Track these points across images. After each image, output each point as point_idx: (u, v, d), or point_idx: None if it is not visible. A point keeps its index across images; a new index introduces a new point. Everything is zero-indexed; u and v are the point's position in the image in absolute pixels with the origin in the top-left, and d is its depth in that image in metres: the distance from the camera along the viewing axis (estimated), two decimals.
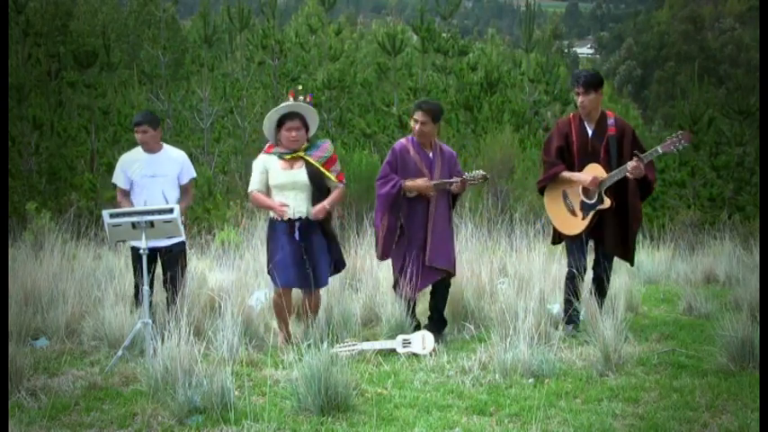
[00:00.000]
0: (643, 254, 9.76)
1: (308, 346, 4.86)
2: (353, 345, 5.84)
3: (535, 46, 20.56)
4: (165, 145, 6.62)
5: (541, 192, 6.55)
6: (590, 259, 6.50)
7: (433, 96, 17.15)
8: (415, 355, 5.80)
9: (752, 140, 15.93)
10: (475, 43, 27.67)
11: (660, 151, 6.06)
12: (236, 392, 4.80)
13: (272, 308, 6.30)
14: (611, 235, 6.23)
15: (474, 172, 6.26)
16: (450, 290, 6.44)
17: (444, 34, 19.54)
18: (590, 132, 6.26)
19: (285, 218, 5.96)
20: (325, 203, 6.00)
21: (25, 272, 6.97)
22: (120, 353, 5.56)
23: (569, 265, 6.34)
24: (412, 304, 6.19)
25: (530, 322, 5.48)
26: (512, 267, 7.73)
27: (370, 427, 4.40)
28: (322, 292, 6.34)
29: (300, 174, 6.01)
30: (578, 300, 6.21)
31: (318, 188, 6.01)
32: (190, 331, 4.93)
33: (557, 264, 7.27)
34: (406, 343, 5.89)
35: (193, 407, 4.54)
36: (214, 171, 16.55)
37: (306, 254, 5.97)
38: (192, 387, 4.61)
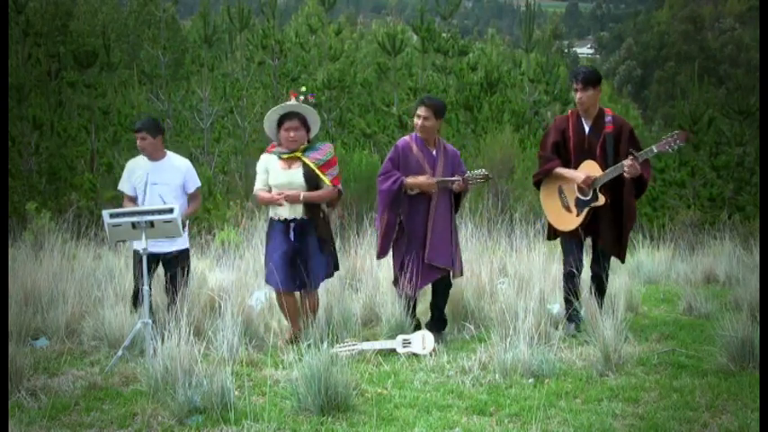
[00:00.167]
0: (643, 254, 9.77)
1: (308, 346, 4.87)
2: (353, 345, 5.84)
3: (535, 46, 20.57)
4: (168, 153, 6.56)
5: (537, 186, 6.57)
6: (588, 258, 6.51)
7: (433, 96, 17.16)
8: (415, 355, 5.80)
9: (752, 140, 15.93)
10: (475, 43, 27.68)
11: (655, 150, 6.06)
12: (236, 392, 4.80)
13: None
14: (606, 232, 6.23)
15: (476, 171, 6.23)
16: (451, 290, 6.43)
17: (444, 34, 19.55)
18: (587, 129, 6.27)
19: (282, 203, 5.96)
20: (301, 193, 5.94)
21: (25, 272, 6.96)
22: (120, 353, 5.55)
23: (567, 264, 6.35)
24: (412, 303, 6.18)
25: (530, 322, 5.48)
26: (512, 267, 7.73)
27: (370, 427, 4.40)
28: (322, 292, 6.34)
29: (297, 174, 6.01)
30: (578, 299, 6.21)
31: (311, 188, 6.01)
32: (190, 331, 4.93)
33: (557, 264, 7.27)
34: (406, 343, 5.89)
35: (193, 407, 4.54)
36: (214, 171, 16.55)
37: (299, 255, 5.98)
38: (192, 387, 4.61)
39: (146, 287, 5.62)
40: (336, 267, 6.32)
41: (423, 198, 6.19)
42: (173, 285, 6.25)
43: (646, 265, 9.38)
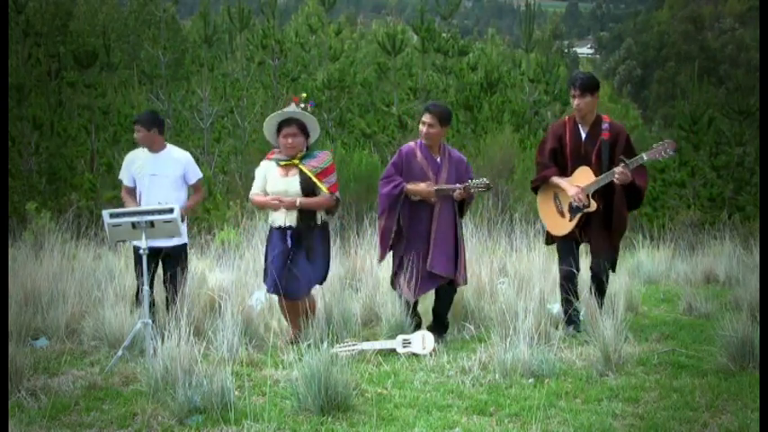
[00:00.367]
0: (643, 254, 9.77)
1: (308, 346, 4.87)
2: (353, 345, 5.84)
3: (535, 46, 20.58)
4: (169, 145, 6.63)
5: (535, 191, 6.61)
6: (587, 258, 6.51)
7: (433, 96, 17.17)
8: (415, 355, 5.79)
9: (752, 140, 15.92)
10: (475, 43, 27.66)
11: (645, 158, 6.07)
12: (236, 392, 4.80)
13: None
14: (596, 238, 6.25)
15: (477, 180, 6.11)
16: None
17: (444, 34, 19.55)
18: (583, 135, 6.27)
19: (277, 207, 5.97)
20: (297, 199, 5.95)
21: (25, 272, 6.97)
22: (120, 353, 5.55)
23: (566, 265, 6.34)
24: (412, 304, 6.18)
25: (530, 322, 5.48)
26: (512, 267, 7.73)
27: (370, 427, 4.40)
28: (322, 292, 6.33)
29: (293, 182, 6.01)
30: (577, 299, 6.21)
31: (307, 196, 5.99)
32: (190, 331, 4.93)
33: (556, 264, 7.27)
34: (406, 343, 5.89)
35: (193, 407, 4.54)
36: (214, 171, 16.55)
37: (291, 262, 5.98)
38: (192, 387, 4.61)
39: (146, 287, 5.63)
40: (322, 279, 6.24)
41: (425, 205, 6.16)
42: (172, 285, 6.26)
43: (646, 265, 9.38)
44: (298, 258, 6.01)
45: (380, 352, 5.78)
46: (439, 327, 6.32)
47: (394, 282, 6.26)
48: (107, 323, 6.00)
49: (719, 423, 4.42)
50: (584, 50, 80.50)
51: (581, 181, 6.19)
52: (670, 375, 5.30)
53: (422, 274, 6.09)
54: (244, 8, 19.57)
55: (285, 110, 6.15)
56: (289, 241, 6.01)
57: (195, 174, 6.61)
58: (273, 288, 6.02)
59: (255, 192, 6.18)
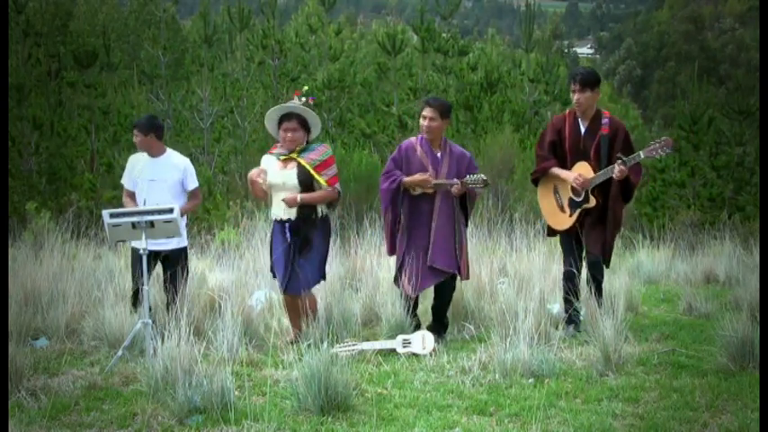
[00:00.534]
0: (643, 254, 9.77)
1: (308, 346, 4.87)
2: (353, 345, 5.84)
3: (535, 46, 20.58)
4: (169, 150, 6.60)
5: (535, 183, 6.62)
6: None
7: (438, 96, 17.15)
8: (415, 355, 5.79)
9: (752, 140, 15.92)
10: (475, 43, 27.65)
11: (642, 156, 6.08)
12: (236, 392, 4.80)
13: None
14: (588, 232, 6.25)
15: (474, 176, 6.09)
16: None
17: (444, 34, 19.53)
18: (583, 130, 6.28)
19: (260, 179, 6.00)
20: (298, 195, 5.96)
21: (25, 272, 6.96)
22: (120, 353, 5.55)
23: (566, 264, 6.36)
24: (412, 303, 6.18)
25: (530, 322, 5.48)
26: (512, 267, 7.73)
27: (370, 427, 4.40)
28: (322, 292, 6.33)
29: (291, 175, 6.02)
30: (578, 299, 6.21)
31: (307, 190, 6.01)
32: (190, 331, 4.93)
33: (557, 264, 7.27)
34: (406, 343, 5.89)
35: (193, 407, 4.54)
36: (214, 171, 16.55)
37: (293, 257, 6.00)
38: (192, 387, 4.61)
39: (146, 287, 5.62)
40: (321, 276, 6.24)
41: (425, 200, 6.15)
42: (173, 285, 6.26)
43: (646, 265, 9.38)
44: (297, 253, 6.02)
45: (380, 352, 5.78)
46: (438, 326, 6.32)
47: (397, 279, 6.25)
48: (107, 323, 6.00)
49: (719, 423, 4.42)
50: (584, 50, 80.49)
51: None
52: (670, 375, 5.30)
53: (422, 269, 6.09)
54: (244, 8, 19.56)
55: (286, 104, 6.16)
56: (288, 234, 6.03)
57: (193, 182, 6.59)
58: (281, 284, 6.07)
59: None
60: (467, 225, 6.41)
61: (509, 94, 18.76)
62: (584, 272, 6.43)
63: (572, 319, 6.27)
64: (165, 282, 6.41)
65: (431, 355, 5.78)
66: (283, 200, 5.98)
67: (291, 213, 6.03)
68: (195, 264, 7.84)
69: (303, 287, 6.05)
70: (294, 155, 6.05)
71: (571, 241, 6.33)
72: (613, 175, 6.03)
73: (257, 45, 19.70)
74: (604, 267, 6.35)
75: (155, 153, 6.49)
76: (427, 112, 6.17)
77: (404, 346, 5.86)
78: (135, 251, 6.38)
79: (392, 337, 6.01)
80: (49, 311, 6.48)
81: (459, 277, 6.32)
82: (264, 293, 7.05)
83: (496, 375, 5.24)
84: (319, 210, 6.09)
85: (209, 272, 7.82)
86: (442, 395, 4.96)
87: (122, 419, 4.55)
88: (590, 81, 6.23)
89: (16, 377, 4.91)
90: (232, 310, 5.75)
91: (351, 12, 66.13)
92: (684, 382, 5.14)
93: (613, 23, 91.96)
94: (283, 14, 29.76)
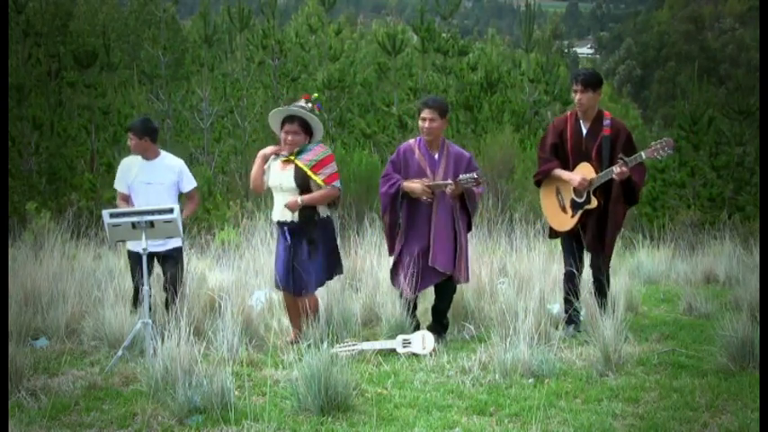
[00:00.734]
0: (643, 254, 9.77)
1: (308, 346, 4.87)
2: (353, 345, 5.84)
3: (535, 46, 20.57)
4: (163, 152, 6.59)
5: (538, 185, 6.60)
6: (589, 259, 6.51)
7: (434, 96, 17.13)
8: (415, 355, 5.79)
9: (752, 140, 15.92)
10: (475, 43, 27.65)
11: (644, 156, 6.08)
12: (236, 392, 4.80)
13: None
14: (589, 232, 6.25)
15: (467, 174, 6.01)
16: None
17: (444, 34, 19.52)
18: (584, 131, 6.28)
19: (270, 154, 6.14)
20: (299, 197, 5.98)
21: (25, 272, 6.96)
22: (120, 353, 5.55)
23: (567, 265, 6.36)
24: (412, 304, 6.17)
25: (530, 322, 5.48)
26: (512, 267, 7.73)
27: (370, 427, 4.40)
28: (322, 292, 6.34)
29: (288, 176, 6.04)
30: (578, 299, 6.21)
31: (304, 192, 6.01)
32: (190, 331, 4.93)
33: (557, 264, 7.27)
34: (406, 343, 5.89)
35: (193, 407, 4.54)
36: (214, 171, 16.56)
37: (294, 258, 6.01)
38: (192, 387, 4.61)
39: (146, 287, 5.63)
40: (334, 271, 6.26)
41: (424, 202, 6.15)
42: (173, 285, 6.26)
43: (646, 265, 9.37)
44: (300, 254, 6.03)
45: (380, 352, 5.78)
46: (438, 326, 6.31)
47: (393, 278, 6.24)
48: (107, 323, 6.00)
49: (719, 423, 4.42)
50: (584, 50, 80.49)
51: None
52: (670, 375, 5.30)
53: (422, 270, 6.08)
54: (244, 8, 19.55)
55: (291, 107, 6.17)
56: (288, 237, 6.04)
57: (190, 182, 6.58)
58: (282, 284, 6.10)
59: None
60: (470, 228, 6.38)
61: (509, 94, 18.75)
62: (585, 272, 6.43)
63: (572, 319, 6.27)
64: (164, 283, 6.40)
65: (431, 355, 5.78)
66: (286, 205, 6.01)
67: (288, 215, 6.04)
68: (195, 264, 7.84)
69: (304, 288, 6.05)
70: (292, 157, 6.07)
71: (572, 242, 6.34)
72: (613, 176, 6.03)
73: (257, 45, 19.70)
74: (619, 267, 6.33)
75: (150, 156, 6.47)
76: (426, 113, 6.15)
77: (404, 346, 5.86)
78: (130, 253, 6.39)
79: (392, 337, 6.01)
80: (49, 311, 6.48)
81: (458, 278, 6.30)
82: (264, 293, 7.06)
83: (496, 375, 5.24)
84: (320, 211, 6.09)
85: (209, 272, 7.82)
86: (442, 395, 4.96)
87: (122, 419, 4.55)
88: (592, 82, 6.22)
89: (16, 377, 4.91)
90: (232, 310, 5.75)
91: (351, 12, 66.13)
92: (684, 382, 5.14)
93: (613, 23, 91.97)
94: (283, 14, 29.76)
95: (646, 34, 63.98)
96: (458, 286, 6.43)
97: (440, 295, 6.34)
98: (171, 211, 5.64)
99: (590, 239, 6.27)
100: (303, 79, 19.69)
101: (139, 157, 6.48)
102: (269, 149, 6.21)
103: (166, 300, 6.34)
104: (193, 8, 41.35)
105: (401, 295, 6.16)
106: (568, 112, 6.49)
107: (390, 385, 5.13)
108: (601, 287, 6.22)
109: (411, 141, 6.34)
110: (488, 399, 4.85)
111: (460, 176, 6.03)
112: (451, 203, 6.16)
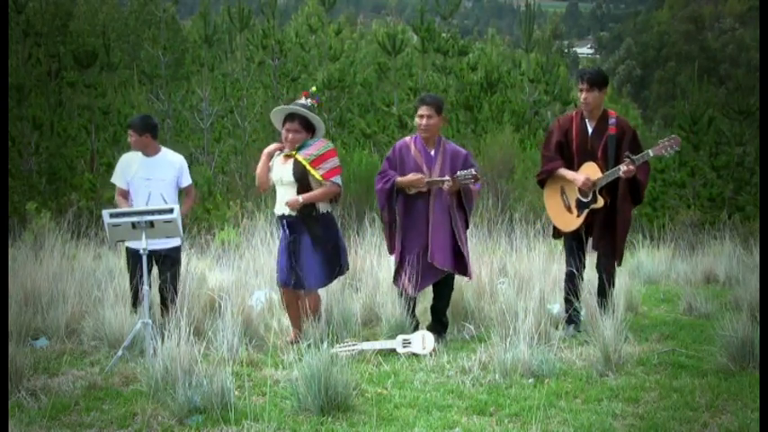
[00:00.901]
0: (643, 254, 9.77)
1: (308, 346, 4.87)
2: (353, 345, 5.84)
3: (535, 46, 20.56)
4: (163, 149, 6.60)
5: (541, 185, 6.58)
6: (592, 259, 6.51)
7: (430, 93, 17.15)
8: (415, 355, 5.79)
9: (752, 140, 15.92)
10: (475, 43, 27.65)
11: (651, 154, 6.08)
12: (236, 392, 4.80)
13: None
14: (598, 234, 6.25)
15: (464, 171, 6.03)
16: (452, 292, 6.40)
17: (444, 34, 19.52)
18: (590, 130, 6.27)
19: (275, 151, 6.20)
20: (299, 196, 6.00)
21: (25, 272, 6.96)
22: (120, 353, 5.55)
23: (568, 265, 6.36)
24: (412, 304, 6.17)
25: (530, 322, 5.48)
26: (512, 267, 7.73)
27: (370, 427, 4.40)
28: (322, 292, 6.34)
29: (287, 170, 6.06)
30: (578, 300, 6.21)
31: (303, 186, 6.03)
32: (190, 331, 4.93)
33: (557, 264, 7.28)
34: (406, 343, 5.89)
35: (193, 407, 4.54)
36: (214, 171, 16.55)
37: (294, 253, 6.01)
38: (192, 387, 4.61)
39: (146, 287, 5.62)
40: (336, 272, 6.23)
41: (420, 199, 6.14)
42: (173, 285, 6.25)
43: (646, 265, 9.38)
44: (301, 250, 6.03)
45: (380, 352, 5.78)
46: (438, 325, 6.31)
47: (396, 279, 6.25)
48: (107, 323, 6.00)
49: (719, 423, 4.42)
50: (584, 50, 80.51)
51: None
52: (670, 375, 5.30)
53: (423, 268, 6.08)
54: (244, 8, 19.55)
55: (291, 105, 6.19)
56: (287, 230, 6.08)
57: (186, 179, 6.60)
58: (280, 280, 6.15)
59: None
60: (467, 226, 6.39)
61: (509, 94, 18.75)
62: (587, 272, 6.43)
63: (571, 320, 6.27)
64: (163, 283, 6.38)
65: (431, 355, 5.78)
66: (286, 203, 6.02)
67: (286, 209, 6.08)
68: (195, 264, 7.84)
69: (304, 286, 6.04)
70: (293, 152, 6.09)
71: (574, 242, 6.33)
72: (620, 174, 6.02)
73: (257, 45, 19.70)
74: (616, 268, 6.34)
75: (150, 152, 6.48)
76: (424, 110, 6.16)
77: (404, 346, 5.86)
78: (130, 252, 6.38)
79: (392, 337, 6.01)
80: (49, 311, 6.48)
81: (465, 277, 6.31)
82: (264, 293, 7.06)
83: (496, 375, 5.24)
84: (320, 207, 6.09)
85: (209, 272, 7.81)
86: (442, 395, 4.96)
87: (122, 419, 4.55)
88: (598, 81, 6.23)
89: (16, 377, 4.91)
90: (232, 310, 5.75)
91: (351, 12, 66.12)
92: (684, 382, 5.14)
93: (613, 23, 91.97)
94: (283, 14, 29.76)
95: (646, 34, 63.99)
96: (457, 286, 6.44)
97: (438, 294, 6.34)
98: (171, 211, 5.65)
99: (599, 242, 6.25)
100: (303, 79, 19.65)
101: (140, 154, 6.49)
102: (273, 147, 6.26)
103: (162, 299, 6.32)
104: (193, 8, 41.34)
105: (401, 294, 6.16)
106: (573, 111, 6.48)
107: (390, 385, 5.13)
108: (603, 288, 6.21)
109: (407, 138, 6.34)
110: (488, 399, 4.85)
111: (458, 173, 6.04)
112: (448, 201, 6.17)
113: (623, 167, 6.00)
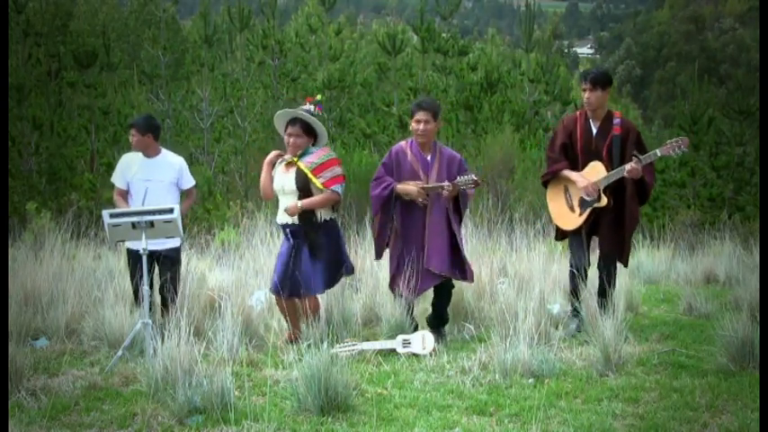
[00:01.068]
0: (643, 254, 9.77)
1: (308, 346, 4.87)
2: (353, 345, 5.84)
3: (535, 46, 20.53)
4: (164, 150, 6.59)
5: (545, 185, 6.59)
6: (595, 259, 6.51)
7: (433, 96, 17.15)
8: (415, 355, 5.79)
9: (752, 140, 15.93)
10: (475, 43, 27.63)
11: (659, 154, 6.09)
12: (236, 392, 4.80)
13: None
14: (605, 234, 6.24)
15: (465, 177, 6.03)
16: (452, 291, 6.40)
17: (444, 34, 19.51)
18: (594, 131, 6.27)
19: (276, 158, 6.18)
20: (298, 202, 5.99)
21: (25, 272, 6.96)
22: (120, 353, 5.55)
23: (570, 264, 6.36)
24: (411, 306, 6.17)
25: (530, 322, 5.48)
26: (512, 267, 7.73)
27: (370, 427, 4.40)
28: (325, 293, 6.33)
29: (289, 179, 6.04)
30: (578, 299, 6.21)
31: (305, 195, 6.02)
32: (190, 331, 4.93)
33: (557, 264, 7.28)
34: (406, 343, 5.89)
35: (193, 407, 4.54)
36: (214, 171, 16.55)
37: (294, 261, 6.00)
38: (191, 387, 4.61)
39: (146, 287, 5.62)
40: (336, 280, 6.21)
41: (418, 204, 6.13)
42: (173, 286, 6.25)
43: (646, 265, 9.38)
44: (301, 258, 6.03)
45: (380, 352, 5.78)
46: (438, 320, 6.31)
47: (392, 284, 6.24)
48: (107, 323, 6.00)
49: (719, 423, 4.42)
50: (584, 50, 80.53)
51: (592, 176, 6.19)
52: (670, 375, 5.30)
53: (421, 273, 6.07)
54: (244, 8, 19.54)
55: (296, 110, 6.19)
56: (290, 239, 6.06)
57: (188, 180, 6.59)
58: (273, 287, 6.07)
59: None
60: (460, 225, 6.38)
61: (509, 94, 18.73)
62: (592, 271, 6.43)
63: (577, 311, 6.26)
64: (162, 283, 6.37)
65: (431, 355, 5.78)
66: (285, 209, 6.02)
67: (288, 218, 6.06)
68: (195, 264, 7.84)
69: (302, 291, 6.03)
70: (295, 159, 6.08)
71: (578, 241, 6.32)
72: (625, 174, 6.02)
73: (257, 45, 19.70)
74: (621, 267, 6.33)
75: (151, 153, 6.47)
76: (421, 115, 6.13)
77: (404, 346, 5.86)
78: (130, 252, 6.38)
79: (392, 337, 6.01)
80: (49, 311, 6.48)
81: (463, 280, 6.30)
82: (264, 293, 7.05)
83: (496, 375, 5.24)
84: (320, 214, 6.07)
85: (209, 272, 7.81)
86: (442, 395, 4.96)
87: (122, 419, 4.55)
88: (601, 80, 6.23)
89: (16, 377, 4.91)
90: (232, 310, 5.75)
91: (351, 12, 66.12)
92: (684, 382, 5.14)
93: (613, 23, 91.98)
94: (283, 14, 29.73)
95: (646, 34, 64.01)
96: (458, 286, 6.43)
97: (438, 295, 6.34)
98: (171, 211, 5.64)
99: (606, 242, 6.25)
100: (303, 79, 19.68)
101: (140, 154, 6.48)
102: (273, 155, 6.23)
103: (162, 300, 6.32)
104: (193, 8, 41.32)
105: (399, 296, 6.15)
106: (578, 112, 6.48)
107: (390, 385, 5.13)
108: (604, 288, 6.21)
109: (402, 143, 6.30)
110: (488, 399, 4.85)
111: (459, 179, 6.03)
112: (446, 205, 6.16)
113: (628, 167, 6.00)
